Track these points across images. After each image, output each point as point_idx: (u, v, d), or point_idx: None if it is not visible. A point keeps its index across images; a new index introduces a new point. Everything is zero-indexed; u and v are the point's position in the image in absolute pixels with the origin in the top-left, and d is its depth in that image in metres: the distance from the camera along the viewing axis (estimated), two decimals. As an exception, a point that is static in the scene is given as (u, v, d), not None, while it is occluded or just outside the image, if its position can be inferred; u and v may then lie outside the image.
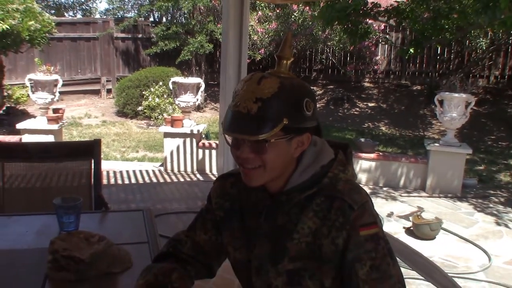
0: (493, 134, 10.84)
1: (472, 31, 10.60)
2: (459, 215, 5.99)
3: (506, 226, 5.65)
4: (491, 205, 6.41)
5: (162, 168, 7.62)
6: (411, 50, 9.36)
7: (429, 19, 9.40)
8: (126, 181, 6.85)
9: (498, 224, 5.71)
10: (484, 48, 11.88)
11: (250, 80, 1.28)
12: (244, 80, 1.32)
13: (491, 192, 7.07)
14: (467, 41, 12.06)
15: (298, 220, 1.32)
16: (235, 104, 1.27)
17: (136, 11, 17.49)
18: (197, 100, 7.78)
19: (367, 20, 10.77)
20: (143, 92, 11.54)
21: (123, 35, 14.53)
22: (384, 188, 7.01)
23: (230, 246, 1.48)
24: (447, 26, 9.69)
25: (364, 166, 7.13)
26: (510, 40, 11.89)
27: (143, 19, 15.52)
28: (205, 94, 12.85)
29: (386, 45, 13.24)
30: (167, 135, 7.39)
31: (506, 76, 12.63)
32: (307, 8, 11.97)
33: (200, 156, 7.46)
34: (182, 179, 7.09)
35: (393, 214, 5.89)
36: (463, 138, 9.06)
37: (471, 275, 4.30)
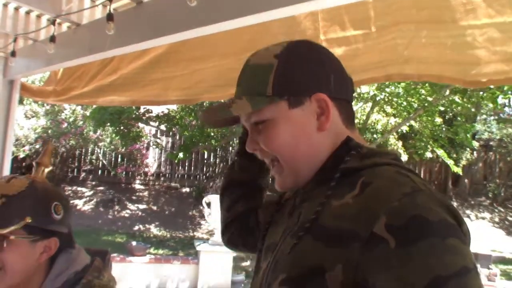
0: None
1: (235, 139, 11.79)
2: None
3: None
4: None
5: None
6: (181, 154, 9.89)
7: (197, 127, 10.19)
8: None
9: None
10: (245, 154, 13.28)
11: (1, 179, 1.31)
12: None
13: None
14: (231, 148, 13.31)
15: None
16: None
17: None
18: None
19: (139, 123, 11.13)
20: None
21: None
22: (156, 291, 6.91)
23: None
24: (212, 134, 10.65)
25: (137, 270, 6.96)
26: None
27: None
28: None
29: (157, 149, 13.69)
30: None
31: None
32: (79, 107, 11.78)
33: None
34: None
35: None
36: (229, 237, 9.65)
37: None
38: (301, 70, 1.01)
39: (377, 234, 0.79)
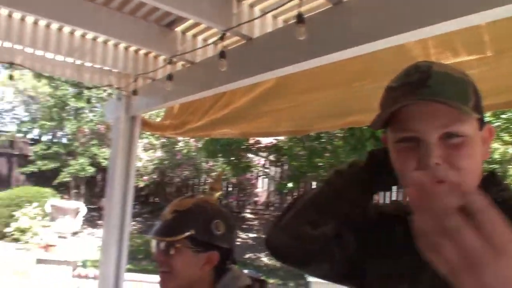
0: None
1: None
2: None
3: None
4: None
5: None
6: (290, 185, 9.93)
7: (305, 157, 10.18)
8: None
9: None
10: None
11: (176, 199, 1.58)
12: None
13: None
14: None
15: None
16: (162, 215, 1.54)
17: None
18: (77, 225, 7.40)
19: (248, 154, 11.40)
20: (13, 213, 10.66)
21: (-4, 150, 13.75)
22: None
23: None
24: (320, 164, 10.56)
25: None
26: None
27: (22, 135, 14.89)
28: (83, 219, 12.24)
29: (266, 179, 13.88)
30: (39, 261, 6.77)
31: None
32: (192, 139, 12.38)
33: (75, 286, 6.86)
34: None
35: None
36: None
37: None
38: (481, 97, 1.01)
39: None
